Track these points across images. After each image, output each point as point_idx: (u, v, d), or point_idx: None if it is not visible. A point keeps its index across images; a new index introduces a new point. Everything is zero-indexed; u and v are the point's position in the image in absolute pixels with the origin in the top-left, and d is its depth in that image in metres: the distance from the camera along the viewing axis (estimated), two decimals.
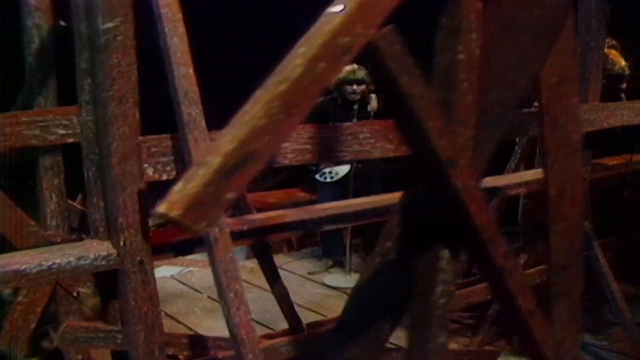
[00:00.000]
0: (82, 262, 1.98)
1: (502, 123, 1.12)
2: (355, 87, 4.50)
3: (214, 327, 3.43)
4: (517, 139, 4.05)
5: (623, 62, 3.83)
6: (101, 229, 2.12)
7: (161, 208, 0.74)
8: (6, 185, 2.57)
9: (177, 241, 2.14)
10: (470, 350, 3.22)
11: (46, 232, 2.56)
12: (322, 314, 3.94)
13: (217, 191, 0.76)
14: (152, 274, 2.05)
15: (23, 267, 1.91)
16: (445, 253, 1.12)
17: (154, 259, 2.03)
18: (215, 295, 4.34)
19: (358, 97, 4.50)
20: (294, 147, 2.03)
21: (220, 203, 0.77)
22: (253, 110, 0.79)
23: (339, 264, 4.88)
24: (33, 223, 2.55)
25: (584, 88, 2.94)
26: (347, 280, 4.59)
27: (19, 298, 2.61)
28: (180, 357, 2.28)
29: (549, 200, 1.34)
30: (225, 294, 1.66)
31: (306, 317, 3.09)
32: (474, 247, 1.13)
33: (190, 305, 4.16)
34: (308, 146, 2.06)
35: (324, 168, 4.56)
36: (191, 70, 1.72)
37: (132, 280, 2.02)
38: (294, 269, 4.90)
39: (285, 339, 2.34)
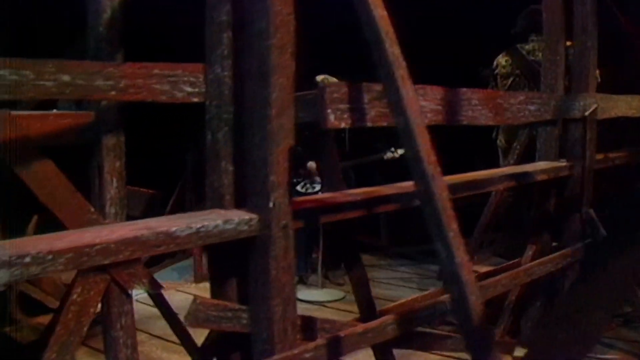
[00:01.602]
0: (228, 226, 1.82)
1: None
2: None
3: None
4: (493, 134, 4.32)
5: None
6: (227, 197, 1.96)
7: None
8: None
9: (306, 208, 2.03)
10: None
11: (105, 220, 2.32)
12: None
13: None
14: (293, 241, 1.93)
15: (173, 229, 1.73)
16: None
17: None
18: None
19: None
20: (432, 107, 2.04)
21: None
22: None
23: (301, 280, 4.80)
24: (92, 210, 2.29)
25: (583, 82, 3.24)
26: (320, 294, 4.53)
27: (73, 297, 2.30)
28: None
29: None
30: (444, 233, 1.60)
31: None
32: None
33: None
34: (439, 107, 2.07)
35: (302, 180, 4.53)
36: (385, 13, 1.68)
37: (277, 247, 1.88)
38: None
39: (391, 317, 2.27)
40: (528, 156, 3.54)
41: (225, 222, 1.81)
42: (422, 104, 1.99)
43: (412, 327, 2.36)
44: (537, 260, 3.20)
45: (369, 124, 1.83)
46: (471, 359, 1.65)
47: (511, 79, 4.09)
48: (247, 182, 1.90)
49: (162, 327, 3.86)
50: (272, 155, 1.82)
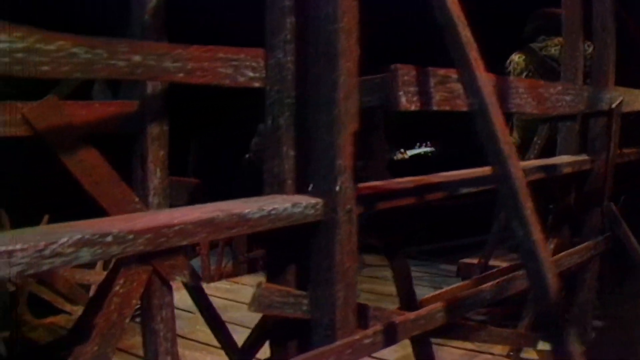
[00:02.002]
0: (296, 209, 1.81)
1: None
2: None
3: None
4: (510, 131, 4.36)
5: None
6: (289, 182, 1.95)
7: None
8: None
9: (364, 194, 2.03)
10: (519, 333, 3.31)
11: (148, 210, 2.29)
12: None
13: None
14: (357, 225, 1.93)
15: (246, 211, 1.71)
16: None
17: None
18: None
19: None
20: None
21: None
22: None
23: None
24: (137, 200, 2.26)
25: (603, 77, 3.29)
26: None
27: (116, 288, 2.26)
28: None
29: None
30: (521, 211, 1.61)
31: None
32: None
33: (190, 324, 3.84)
34: None
35: None
36: None
37: (342, 231, 1.87)
38: None
39: (440, 304, 2.27)
40: (542, 153, 3.59)
41: (294, 205, 1.80)
42: None
43: (458, 314, 2.37)
44: (565, 252, 3.23)
45: (434, 108, 1.84)
46: (546, 336, 1.65)
47: (524, 73, 4.15)
48: (311, 166, 1.89)
49: (180, 325, 3.81)
50: (339, 139, 1.82)
